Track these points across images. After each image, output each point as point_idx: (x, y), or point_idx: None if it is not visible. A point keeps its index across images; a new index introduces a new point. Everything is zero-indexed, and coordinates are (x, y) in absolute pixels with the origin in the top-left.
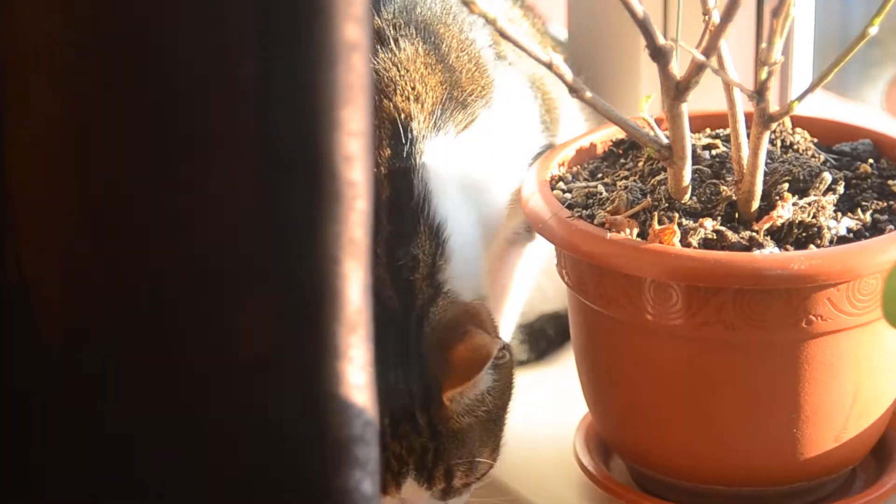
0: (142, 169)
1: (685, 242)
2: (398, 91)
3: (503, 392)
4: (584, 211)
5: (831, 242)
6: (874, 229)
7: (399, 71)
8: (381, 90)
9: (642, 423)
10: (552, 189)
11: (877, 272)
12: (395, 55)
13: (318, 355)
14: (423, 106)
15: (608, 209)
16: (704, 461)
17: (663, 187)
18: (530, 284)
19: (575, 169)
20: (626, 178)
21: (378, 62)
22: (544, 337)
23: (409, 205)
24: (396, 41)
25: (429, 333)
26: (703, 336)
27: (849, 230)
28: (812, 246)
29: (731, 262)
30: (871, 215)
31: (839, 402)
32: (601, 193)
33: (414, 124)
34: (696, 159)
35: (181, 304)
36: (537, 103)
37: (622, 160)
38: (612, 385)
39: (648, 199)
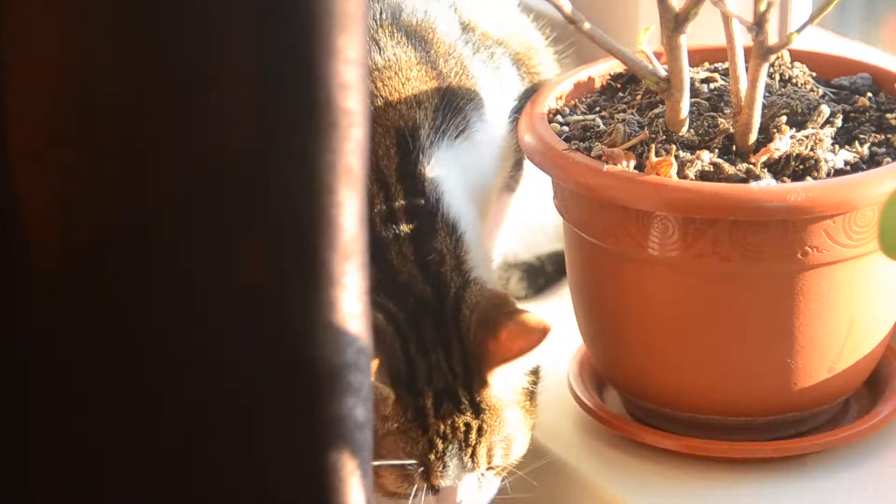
0: (139, 101)
1: (682, 174)
2: (402, 99)
3: (537, 372)
4: (581, 144)
5: (828, 175)
6: (871, 162)
7: (400, 79)
8: (385, 98)
9: (636, 354)
10: (549, 122)
11: (873, 204)
12: (396, 63)
13: (313, 283)
14: (425, 113)
15: (605, 142)
16: (698, 391)
17: (661, 120)
18: (512, 233)
19: (573, 102)
20: (623, 111)
21: (380, 71)
22: (542, 274)
23: (424, 207)
24: (394, 49)
25: (468, 315)
26: (699, 268)
27: (846, 163)
28: (809, 178)
29: (727, 193)
30: (869, 148)
31: (834, 333)
32: (598, 126)
33: (421, 132)
34: (695, 92)
35: (177, 233)
36: (523, 85)
37: (620, 94)
38: (608, 317)
39: (646, 131)
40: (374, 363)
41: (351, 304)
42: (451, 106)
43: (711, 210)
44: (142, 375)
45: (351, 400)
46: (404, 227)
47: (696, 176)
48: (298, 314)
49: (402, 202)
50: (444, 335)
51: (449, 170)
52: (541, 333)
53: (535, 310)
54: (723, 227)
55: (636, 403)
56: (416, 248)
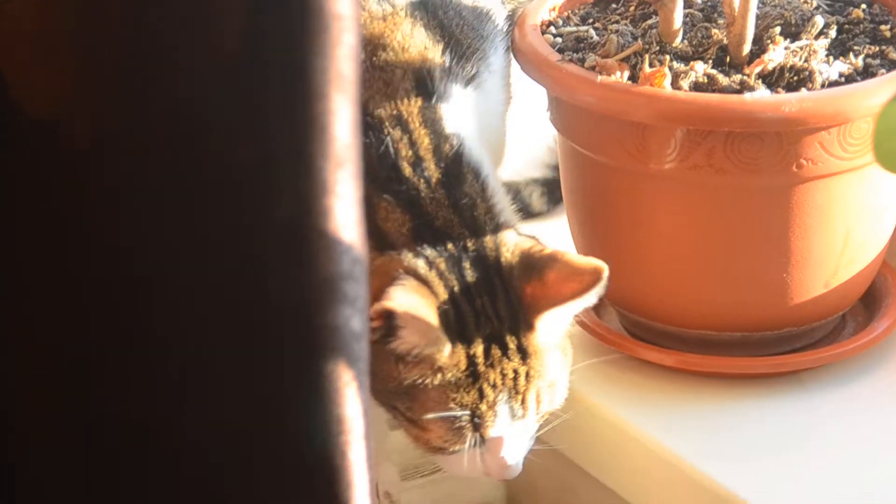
0: (127, 6)
1: (676, 86)
2: (414, 44)
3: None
4: (574, 55)
5: (823, 86)
6: (866, 74)
7: (410, 24)
8: (399, 42)
9: (632, 269)
10: (542, 34)
11: (868, 115)
12: (402, 10)
13: (305, 191)
14: (437, 56)
15: (599, 53)
16: (694, 306)
17: (654, 31)
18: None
19: (566, 14)
20: (616, 22)
21: (392, 17)
22: (559, 186)
23: (449, 150)
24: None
25: (509, 258)
26: (694, 180)
27: (840, 74)
28: (803, 90)
29: (721, 104)
30: (863, 60)
31: (829, 247)
32: (592, 38)
33: (436, 73)
34: (688, 3)
35: (167, 140)
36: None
37: (613, 5)
38: (603, 231)
39: (639, 42)
40: (431, 312)
41: (345, 212)
42: (457, 53)
43: (705, 121)
44: (132, 275)
45: (347, 310)
46: (433, 172)
47: (689, 87)
48: (291, 223)
49: (429, 146)
50: (488, 280)
51: (464, 115)
52: (592, 275)
53: (551, 225)
54: (717, 138)
55: (632, 319)
56: (448, 192)
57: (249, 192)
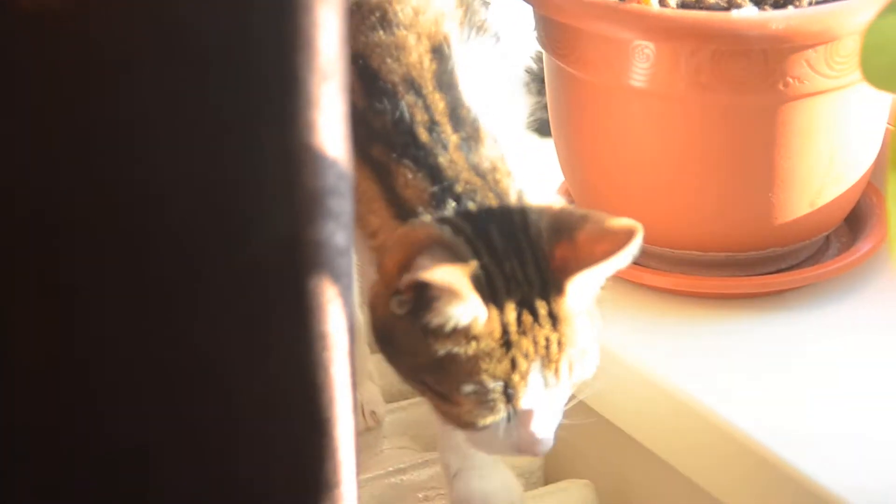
0: None
1: (663, 3)
2: (429, 7)
3: None
4: None
5: (810, 4)
6: None
7: None
8: (413, 8)
9: (617, 188)
10: None
11: (855, 33)
12: None
13: (290, 104)
14: (454, 20)
15: None
16: (679, 226)
17: None
18: None
19: None
20: None
21: None
22: None
23: (466, 115)
24: None
25: (536, 221)
26: (680, 98)
27: None
28: (790, 7)
29: (708, 22)
30: None
31: (814, 166)
32: None
33: (452, 38)
34: None
35: (154, 53)
36: None
37: None
38: (588, 150)
39: None
40: (464, 280)
41: (330, 126)
42: (472, 24)
43: (692, 39)
44: (116, 188)
45: (330, 225)
46: (451, 136)
47: (677, 4)
48: (274, 136)
49: (444, 111)
50: (515, 243)
51: (482, 79)
52: (625, 234)
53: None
54: (704, 56)
55: None
56: (468, 156)
57: (233, 106)
